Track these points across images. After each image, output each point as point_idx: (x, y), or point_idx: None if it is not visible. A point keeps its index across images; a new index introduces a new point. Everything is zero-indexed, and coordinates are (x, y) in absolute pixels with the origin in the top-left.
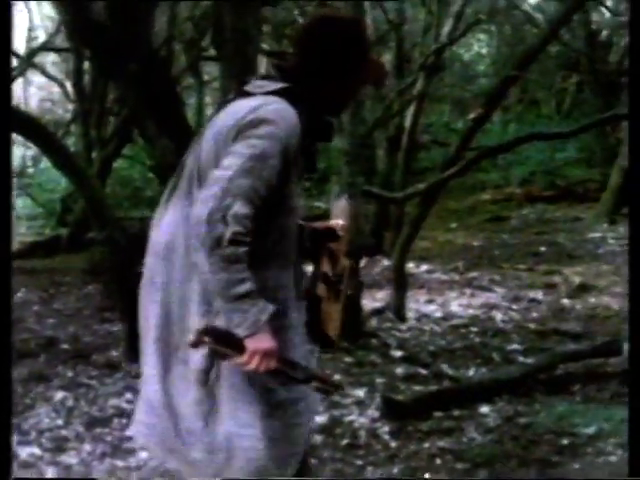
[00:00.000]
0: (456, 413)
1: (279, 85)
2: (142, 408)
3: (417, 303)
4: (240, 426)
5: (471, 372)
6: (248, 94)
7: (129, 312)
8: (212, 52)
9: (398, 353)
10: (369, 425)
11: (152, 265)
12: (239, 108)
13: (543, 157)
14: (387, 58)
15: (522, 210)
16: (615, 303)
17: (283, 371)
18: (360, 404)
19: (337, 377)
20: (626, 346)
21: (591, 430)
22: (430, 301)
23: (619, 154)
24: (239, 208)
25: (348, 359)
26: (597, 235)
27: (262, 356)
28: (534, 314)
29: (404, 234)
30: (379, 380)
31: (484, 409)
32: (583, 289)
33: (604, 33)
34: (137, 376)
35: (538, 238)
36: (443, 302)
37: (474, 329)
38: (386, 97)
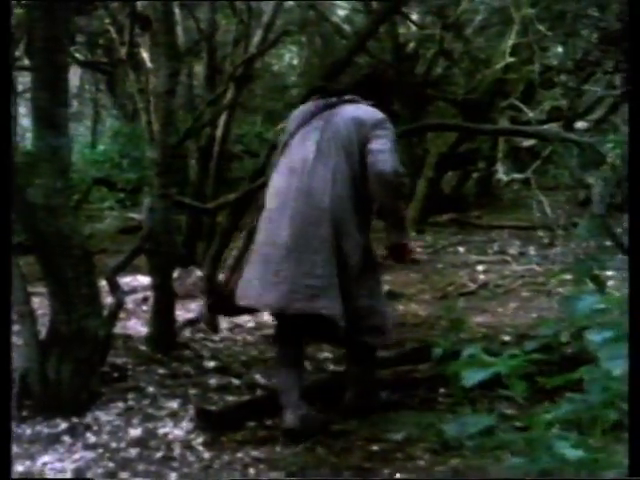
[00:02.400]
0: (269, 422)
1: (369, 102)
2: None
3: None
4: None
5: None
6: (354, 101)
7: None
8: (26, 62)
9: (211, 364)
10: (183, 437)
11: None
12: (365, 110)
13: None
14: (198, 69)
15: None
16: (423, 310)
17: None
18: (174, 416)
19: (151, 389)
20: (434, 352)
21: (400, 436)
22: None
23: (425, 164)
24: (402, 170)
25: (162, 371)
26: None
27: (413, 253)
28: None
29: (215, 244)
30: (193, 391)
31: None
32: (392, 297)
33: (411, 45)
34: None
35: None
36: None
37: None
38: (197, 107)
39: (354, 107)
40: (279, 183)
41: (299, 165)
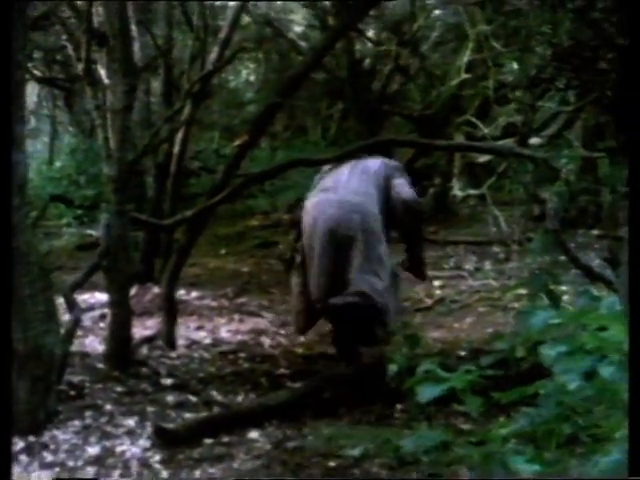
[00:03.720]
0: (226, 439)
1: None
2: None
3: (187, 330)
4: None
5: (240, 398)
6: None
7: None
8: None
9: (168, 381)
10: (141, 454)
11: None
12: (389, 160)
13: (310, 183)
14: (156, 85)
15: (289, 236)
16: None
17: None
18: (131, 434)
19: (108, 407)
20: (391, 368)
21: (357, 452)
22: (200, 328)
23: None
24: (421, 199)
25: (119, 388)
26: None
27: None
28: (301, 338)
29: (173, 261)
30: (150, 409)
31: (254, 434)
32: None
33: (367, 61)
34: None
35: None
36: (213, 328)
37: (243, 355)
38: (154, 124)
39: (382, 158)
40: (316, 199)
41: (333, 184)
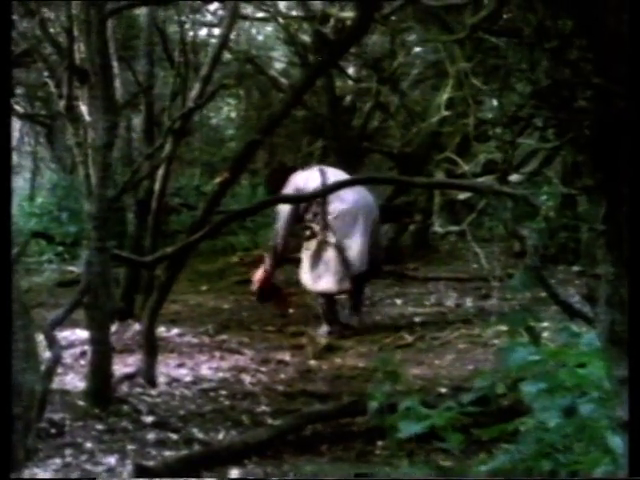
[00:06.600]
0: (207, 477)
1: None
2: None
3: (168, 367)
4: None
5: (221, 435)
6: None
7: None
8: None
9: (149, 419)
10: None
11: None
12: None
13: None
14: (137, 122)
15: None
16: (360, 362)
17: None
18: (112, 472)
19: (89, 445)
20: (371, 405)
21: None
22: (181, 365)
23: None
24: None
25: (100, 426)
26: (342, 296)
27: None
28: (282, 376)
29: (153, 298)
30: (130, 446)
31: (234, 472)
32: (329, 350)
33: (347, 99)
34: None
35: None
36: (193, 366)
37: (223, 392)
38: (135, 160)
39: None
40: (347, 205)
41: (354, 194)
